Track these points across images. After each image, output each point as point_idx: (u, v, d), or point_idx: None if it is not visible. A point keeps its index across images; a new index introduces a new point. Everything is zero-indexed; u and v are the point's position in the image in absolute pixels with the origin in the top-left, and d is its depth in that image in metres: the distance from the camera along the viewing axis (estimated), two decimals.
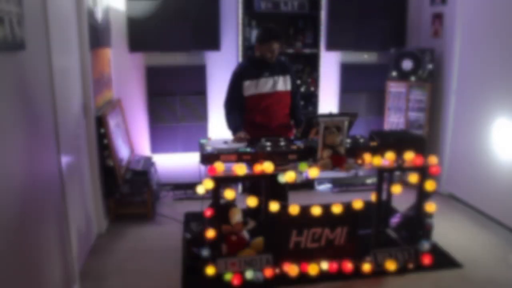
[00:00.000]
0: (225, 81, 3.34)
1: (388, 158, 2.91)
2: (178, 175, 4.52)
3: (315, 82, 4.52)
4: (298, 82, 4.51)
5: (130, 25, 4.21)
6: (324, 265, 2.94)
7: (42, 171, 2.23)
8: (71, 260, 2.65)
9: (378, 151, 2.92)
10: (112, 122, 3.74)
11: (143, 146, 4.57)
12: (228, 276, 2.83)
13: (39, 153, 2.20)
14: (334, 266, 2.95)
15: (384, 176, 3.05)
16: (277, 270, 2.91)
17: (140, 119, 4.51)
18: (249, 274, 2.85)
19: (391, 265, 2.98)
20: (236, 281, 2.82)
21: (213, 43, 4.38)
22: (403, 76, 4.55)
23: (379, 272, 2.98)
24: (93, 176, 3.46)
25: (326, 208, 2.95)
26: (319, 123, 2.71)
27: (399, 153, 2.95)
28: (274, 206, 2.86)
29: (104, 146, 3.57)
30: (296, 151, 2.88)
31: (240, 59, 4.25)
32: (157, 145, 4.53)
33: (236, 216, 3.01)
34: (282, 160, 2.85)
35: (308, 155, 2.85)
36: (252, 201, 2.85)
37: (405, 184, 3.24)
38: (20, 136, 1.96)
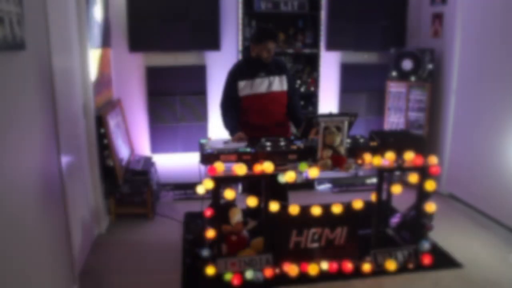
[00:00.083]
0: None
1: (388, 158, 2.91)
2: (178, 175, 4.52)
3: (315, 82, 4.53)
4: (298, 82, 4.51)
5: (130, 25, 4.21)
6: (324, 265, 2.94)
7: (42, 171, 2.23)
8: (71, 260, 2.65)
9: (378, 151, 2.92)
10: (112, 122, 3.74)
11: (143, 146, 4.57)
12: (228, 276, 2.84)
13: (39, 153, 2.20)
14: (334, 266, 2.95)
15: (384, 176, 3.05)
16: (277, 270, 2.91)
17: (140, 119, 4.51)
18: (249, 274, 2.85)
19: (391, 265, 2.99)
20: (236, 281, 2.82)
21: (213, 43, 4.38)
22: (403, 76, 4.55)
23: (379, 272, 2.98)
24: (93, 176, 3.46)
25: (326, 208, 2.95)
26: (319, 123, 2.70)
27: (399, 153, 2.95)
28: (274, 206, 2.86)
29: (104, 146, 3.57)
30: (296, 151, 2.88)
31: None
32: (157, 145, 4.53)
33: (236, 216, 3.01)
34: (282, 160, 2.85)
35: (308, 155, 2.85)
36: (252, 201, 2.85)
37: (405, 184, 3.24)
38: (20, 136, 1.96)
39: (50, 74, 2.38)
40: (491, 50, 3.82)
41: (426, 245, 3.07)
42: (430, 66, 4.44)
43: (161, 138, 4.51)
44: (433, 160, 2.99)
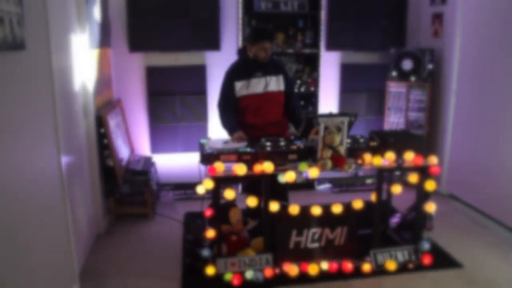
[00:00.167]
0: None
1: (388, 158, 2.91)
2: (178, 175, 4.52)
3: (315, 82, 4.52)
4: (298, 82, 4.51)
5: (130, 25, 4.21)
6: (324, 265, 2.94)
7: (42, 171, 2.23)
8: (71, 260, 2.65)
9: (378, 151, 2.92)
10: (112, 122, 3.74)
11: (143, 146, 4.57)
12: (228, 276, 2.84)
13: (39, 153, 2.20)
14: (334, 266, 2.95)
15: (384, 176, 3.05)
16: (277, 270, 2.91)
17: (140, 119, 4.51)
18: (249, 274, 2.85)
19: (391, 265, 2.99)
20: (236, 281, 2.82)
21: (213, 43, 4.38)
22: (403, 76, 4.55)
23: (379, 272, 2.98)
24: (93, 176, 3.46)
25: (326, 208, 2.95)
26: (319, 123, 2.70)
27: (399, 153, 2.95)
28: (274, 206, 2.86)
29: (104, 146, 3.57)
30: (296, 151, 2.88)
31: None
32: (157, 145, 4.53)
33: (236, 216, 3.01)
34: (282, 160, 2.85)
35: (308, 155, 2.85)
36: (252, 201, 2.85)
37: (405, 184, 3.24)
38: (20, 136, 1.96)
39: (50, 74, 2.38)
40: (491, 50, 3.82)
41: (426, 245, 3.07)
42: (430, 66, 4.44)
43: (161, 138, 4.51)
44: (433, 160, 2.99)
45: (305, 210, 2.92)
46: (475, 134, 4.04)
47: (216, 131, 4.40)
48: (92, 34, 3.42)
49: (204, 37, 4.35)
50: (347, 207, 2.98)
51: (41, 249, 2.17)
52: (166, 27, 4.25)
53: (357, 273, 2.95)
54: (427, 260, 3.05)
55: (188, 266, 3.05)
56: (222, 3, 4.35)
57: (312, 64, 4.57)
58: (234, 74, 3.22)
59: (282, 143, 2.96)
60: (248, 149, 2.87)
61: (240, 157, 2.82)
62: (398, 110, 4.63)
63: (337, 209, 2.94)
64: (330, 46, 4.63)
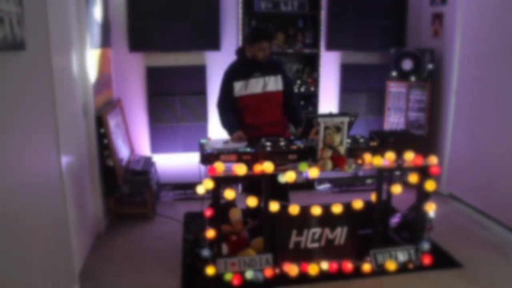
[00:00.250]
0: None
1: (388, 158, 2.91)
2: (178, 175, 4.52)
3: (315, 82, 4.52)
4: (298, 82, 4.51)
5: (130, 25, 4.21)
6: (324, 265, 2.94)
7: (42, 171, 2.23)
8: (71, 260, 2.65)
9: (378, 151, 2.92)
10: (112, 122, 3.74)
11: (143, 146, 4.57)
12: (228, 276, 2.84)
13: (39, 153, 2.20)
14: (334, 266, 2.95)
15: (384, 176, 3.05)
16: (277, 270, 2.91)
17: (140, 119, 4.51)
18: (249, 274, 2.85)
19: (391, 265, 2.99)
20: (236, 281, 2.82)
21: (213, 43, 4.38)
22: (403, 76, 4.55)
23: (379, 272, 2.98)
24: (93, 176, 3.46)
25: (326, 208, 2.95)
26: (319, 123, 2.70)
27: (399, 153, 2.95)
28: (274, 206, 2.86)
29: (104, 146, 3.57)
30: (296, 151, 2.88)
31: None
32: (157, 145, 4.53)
33: (236, 216, 3.01)
34: (282, 160, 2.85)
35: (308, 155, 2.85)
36: (252, 201, 2.85)
37: (405, 184, 3.24)
38: (20, 136, 1.96)
39: (50, 74, 2.38)
40: (491, 50, 3.82)
41: (426, 245, 3.07)
42: (430, 66, 4.44)
43: (161, 138, 4.51)
44: (433, 160, 2.99)
45: (305, 210, 2.92)
46: (475, 134, 4.04)
47: (216, 131, 4.40)
48: (92, 34, 3.42)
49: (204, 37, 4.35)
50: (347, 207, 2.97)
51: (41, 249, 2.17)
52: (166, 27, 4.25)
53: (357, 273, 2.95)
54: (427, 260, 3.05)
55: (188, 266, 3.05)
56: (222, 3, 4.35)
57: (312, 64, 4.57)
58: (232, 75, 3.22)
59: (282, 143, 2.96)
60: (248, 149, 2.87)
61: (240, 157, 2.82)
62: (398, 110, 4.63)
63: (337, 209, 2.94)
64: (330, 46, 4.63)
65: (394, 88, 4.62)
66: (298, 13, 4.45)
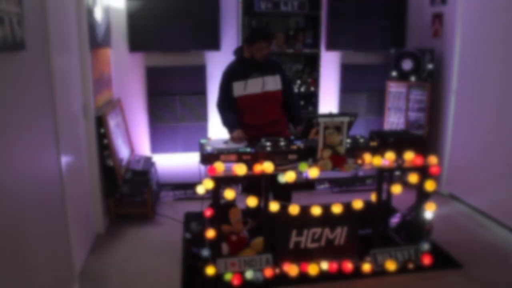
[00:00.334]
0: None
1: (388, 158, 2.91)
2: (178, 175, 4.52)
3: (315, 82, 4.52)
4: (298, 82, 4.51)
5: (130, 25, 4.21)
6: (324, 265, 2.94)
7: (42, 171, 2.23)
8: (71, 260, 2.65)
9: (378, 151, 2.92)
10: (112, 122, 3.74)
11: (143, 146, 4.57)
12: (228, 276, 2.83)
13: (39, 153, 2.20)
14: (334, 266, 2.95)
15: (384, 176, 3.05)
16: (277, 270, 2.91)
17: (140, 119, 4.51)
18: (249, 274, 2.85)
19: (391, 265, 2.98)
20: (236, 281, 2.82)
21: (213, 43, 4.38)
22: (403, 76, 4.55)
23: (379, 272, 2.98)
24: (93, 176, 3.46)
25: (326, 208, 2.95)
26: (319, 123, 2.70)
27: (399, 153, 2.95)
28: (274, 206, 2.86)
29: (104, 146, 3.57)
30: (296, 151, 2.88)
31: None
32: (157, 145, 4.53)
33: (236, 216, 3.01)
34: (282, 160, 2.85)
35: (308, 155, 2.85)
36: (252, 201, 2.85)
37: (405, 184, 3.24)
38: (20, 136, 1.96)
39: (50, 74, 2.38)
40: (491, 50, 3.82)
41: (426, 245, 3.07)
42: (430, 66, 4.44)
43: (161, 138, 4.51)
44: (433, 160, 2.99)
45: (305, 210, 2.92)
46: (475, 134, 4.04)
47: (216, 131, 4.40)
48: (92, 34, 3.42)
49: (204, 37, 4.35)
50: (347, 207, 2.97)
51: (41, 249, 2.17)
52: (166, 27, 4.25)
53: (357, 273, 2.95)
54: (427, 260, 3.05)
55: (188, 266, 3.05)
56: (222, 3, 4.35)
57: (312, 64, 4.57)
58: (231, 75, 3.23)
59: (282, 143, 2.96)
60: (248, 149, 2.87)
61: (240, 157, 2.82)
62: (398, 110, 4.63)
63: (337, 209, 2.94)
64: (330, 46, 4.63)
65: (394, 88, 4.62)
66: (298, 13, 4.45)
